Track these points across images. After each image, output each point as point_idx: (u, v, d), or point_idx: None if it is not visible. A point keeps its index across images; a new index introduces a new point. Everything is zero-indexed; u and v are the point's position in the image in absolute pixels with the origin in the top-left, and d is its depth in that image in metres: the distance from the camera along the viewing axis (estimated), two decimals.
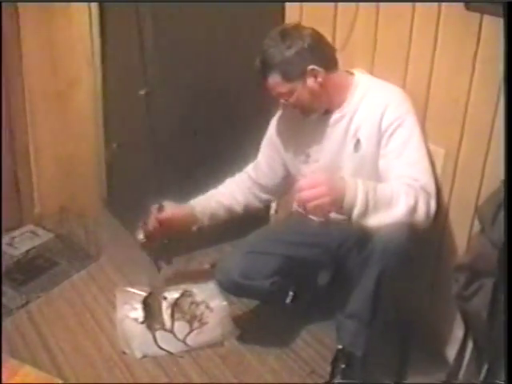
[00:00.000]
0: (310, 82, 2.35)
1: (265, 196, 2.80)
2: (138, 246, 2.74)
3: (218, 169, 2.83)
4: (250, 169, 2.80)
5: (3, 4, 3.02)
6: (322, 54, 2.37)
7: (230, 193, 2.78)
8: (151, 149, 3.08)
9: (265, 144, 2.75)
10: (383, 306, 2.27)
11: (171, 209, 2.68)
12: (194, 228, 2.73)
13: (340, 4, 2.71)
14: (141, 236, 2.66)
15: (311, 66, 2.33)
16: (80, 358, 2.58)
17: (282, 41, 2.33)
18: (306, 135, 2.54)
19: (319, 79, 2.35)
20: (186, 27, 2.87)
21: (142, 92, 2.95)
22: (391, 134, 2.31)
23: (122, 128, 3.43)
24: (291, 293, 2.57)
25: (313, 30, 2.39)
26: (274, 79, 2.37)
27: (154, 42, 2.85)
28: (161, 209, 2.65)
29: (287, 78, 2.35)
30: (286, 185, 2.73)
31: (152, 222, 2.66)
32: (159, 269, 2.83)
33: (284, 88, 2.38)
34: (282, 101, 2.46)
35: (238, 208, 2.78)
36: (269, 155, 2.74)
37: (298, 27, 2.43)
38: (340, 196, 2.08)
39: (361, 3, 2.60)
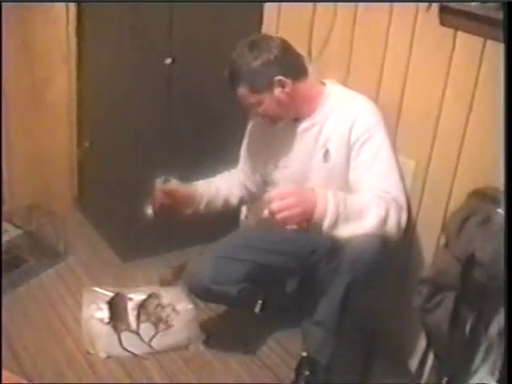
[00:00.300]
0: (278, 92, 2.37)
1: (258, 192, 2.78)
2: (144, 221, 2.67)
3: (200, 167, 2.83)
4: (238, 169, 2.82)
5: None
6: (290, 64, 2.39)
7: (228, 183, 2.79)
8: (128, 149, 3.09)
9: (242, 151, 2.78)
10: (350, 315, 2.29)
11: (175, 183, 2.65)
12: (189, 211, 2.70)
13: (318, 12, 2.74)
14: (149, 211, 2.62)
15: (278, 77, 2.34)
16: (44, 358, 2.57)
17: (250, 52, 2.34)
18: (276, 142, 2.56)
19: (287, 89, 2.36)
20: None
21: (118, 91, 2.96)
22: (361, 147, 2.33)
23: (94, 127, 3.43)
24: (260, 301, 2.58)
25: (281, 40, 2.42)
26: (242, 90, 2.39)
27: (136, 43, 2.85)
28: (166, 181, 2.64)
29: (254, 88, 2.37)
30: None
31: (158, 195, 2.61)
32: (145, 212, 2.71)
33: (252, 98, 2.40)
34: (252, 110, 2.48)
35: (234, 200, 2.80)
36: (247, 162, 2.76)
37: (266, 38, 2.46)
38: (310, 208, 2.10)
39: (339, 13, 2.62)
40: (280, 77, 2.34)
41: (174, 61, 2.90)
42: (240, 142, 2.79)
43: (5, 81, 3.22)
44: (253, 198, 2.83)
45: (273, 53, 2.34)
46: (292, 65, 2.40)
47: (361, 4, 2.54)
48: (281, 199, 2.07)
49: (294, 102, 2.40)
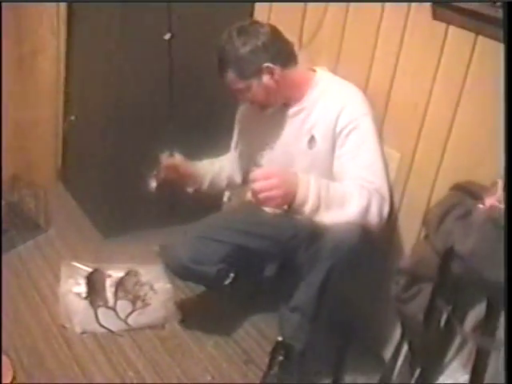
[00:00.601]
0: (266, 79, 2.37)
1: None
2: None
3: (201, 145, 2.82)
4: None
5: None
6: (278, 51, 2.38)
7: (232, 162, 2.81)
8: (113, 123, 3.08)
9: (234, 134, 2.80)
10: (327, 302, 2.30)
11: (180, 159, 2.67)
12: (191, 189, 2.73)
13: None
14: (153, 184, 2.61)
15: (266, 64, 2.34)
16: (19, 329, 2.58)
17: (238, 38, 2.34)
18: (264, 126, 2.57)
19: (275, 76, 2.37)
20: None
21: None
22: (346, 136, 2.33)
23: (81, 101, 3.41)
24: (232, 274, 2.59)
25: (271, 26, 2.42)
26: (230, 76, 2.39)
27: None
28: (171, 156, 2.64)
29: (242, 75, 2.37)
30: None
31: (163, 169, 2.61)
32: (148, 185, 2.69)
33: (240, 84, 2.40)
34: (240, 96, 2.48)
35: (237, 179, 2.82)
36: (238, 146, 2.79)
37: (255, 24, 2.44)
38: (292, 190, 2.11)
39: (331, 1, 2.62)
40: (268, 64, 2.34)
41: (173, 36, 2.89)
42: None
43: None
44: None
45: (261, 39, 2.34)
46: (281, 52, 2.40)
47: None
48: (264, 179, 2.08)
49: (282, 88, 2.41)
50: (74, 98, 3.49)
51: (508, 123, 1.65)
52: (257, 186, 2.08)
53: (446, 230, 1.76)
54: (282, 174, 2.12)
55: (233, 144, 2.83)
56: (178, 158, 2.66)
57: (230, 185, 2.84)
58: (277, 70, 2.36)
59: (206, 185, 2.75)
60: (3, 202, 3.35)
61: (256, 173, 2.14)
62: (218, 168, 2.77)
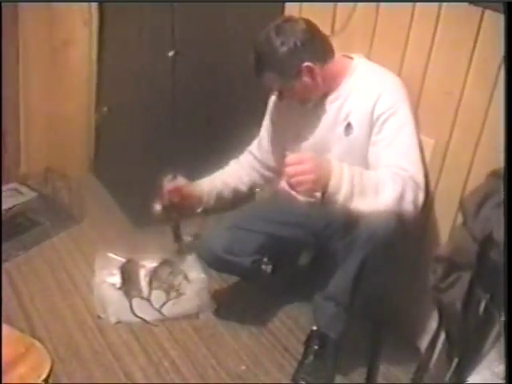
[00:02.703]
0: (306, 78, 2.34)
1: (269, 174, 2.80)
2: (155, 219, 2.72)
3: (208, 158, 2.82)
4: (253, 147, 2.80)
5: None
6: (316, 48, 2.35)
7: (235, 173, 2.78)
8: (144, 116, 3.09)
9: (265, 120, 2.76)
10: (362, 291, 2.30)
11: (182, 181, 2.66)
12: (199, 209, 2.73)
13: None
14: (158, 207, 2.64)
15: (306, 64, 2.31)
16: (54, 319, 2.61)
17: (276, 38, 2.31)
18: (299, 115, 2.54)
19: (315, 74, 2.34)
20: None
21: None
22: (383, 122, 2.30)
23: (113, 92, 3.43)
24: (269, 267, 2.58)
25: (305, 21, 2.37)
26: (269, 77, 2.38)
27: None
28: (174, 178, 2.65)
29: (282, 76, 2.36)
30: None
31: (166, 192, 2.63)
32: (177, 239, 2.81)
33: (279, 85, 2.40)
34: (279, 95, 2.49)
35: (244, 188, 2.79)
36: (269, 132, 2.75)
37: (290, 21, 2.38)
38: (325, 176, 2.09)
39: None
40: (308, 63, 2.31)
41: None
42: (246, 129, 2.80)
43: (24, 42, 3.22)
44: (266, 180, 2.82)
45: (299, 38, 2.30)
46: (319, 48, 2.36)
47: None
48: (297, 163, 2.07)
49: (322, 83, 2.37)
50: (106, 90, 3.50)
51: (508, 123, 1.64)
52: (289, 170, 2.07)
53: (484, 217, 1.73)
54: (315, 160, 2.10)
55: (259, 139, 2.79)
56: (180, 180, 2.65)
57: (237, 195, 2.79)
58: (316, 68, 2.33)
59: (213, 201, 2.73)
60: (36, 194, 3.38)
61: (289, 157, 2.11)
62: (220, 184, 2.75)
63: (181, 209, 2.70)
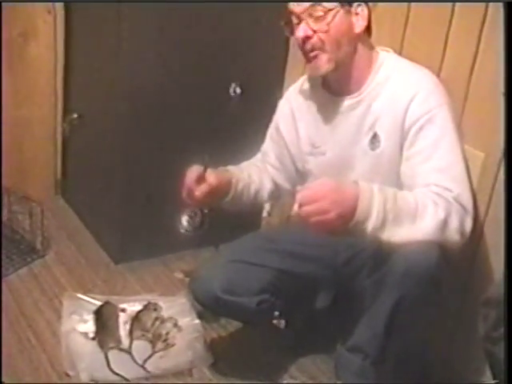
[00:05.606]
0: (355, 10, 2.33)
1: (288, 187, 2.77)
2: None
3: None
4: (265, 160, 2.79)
5: None
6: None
7: (258, 172, 2.74)
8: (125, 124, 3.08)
9: (271, 129, 2.75)
10: (396, 340, 2.27)
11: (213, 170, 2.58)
12: (226, 200, 2.63)
13: None
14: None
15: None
16: (11, 378, 2.56)
17: None
18: (313, 122, 2.54)
19: (359, 16, 2.33)
20: None
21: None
22: (418, 132, 2.28)
23: (85, 95, 3.43)
24: (276, 311, 2.57)
25: None
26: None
27: None
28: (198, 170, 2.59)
29: None
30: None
31: (192, 185, 2.51)
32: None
33: (318, 11, 2.31)
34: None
35: (265, 194, 2.76)
36: (275, 143, 2.73)
37: None
38: (350, 209, 2.06)
39: None
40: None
41: None
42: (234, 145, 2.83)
43: None
44: (281, 194, 2.80)
45: None
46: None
47: None
48: (312, 202, 2.04)
49: (348, 60, 2.36)
50: (75, 92, 3.50)
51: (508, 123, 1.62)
52: (304, 211, 2.05)
53: None
54: (335, 192, 2.08)
55: (267, 146, 2.78)
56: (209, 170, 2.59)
57: (256, 199, 2.76)
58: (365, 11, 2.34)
59: (238, 194, 2.65)
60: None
61: (301, 195, 2.09)
62: (246, 175, 2.71)
63: (207, 202, 2.60)
